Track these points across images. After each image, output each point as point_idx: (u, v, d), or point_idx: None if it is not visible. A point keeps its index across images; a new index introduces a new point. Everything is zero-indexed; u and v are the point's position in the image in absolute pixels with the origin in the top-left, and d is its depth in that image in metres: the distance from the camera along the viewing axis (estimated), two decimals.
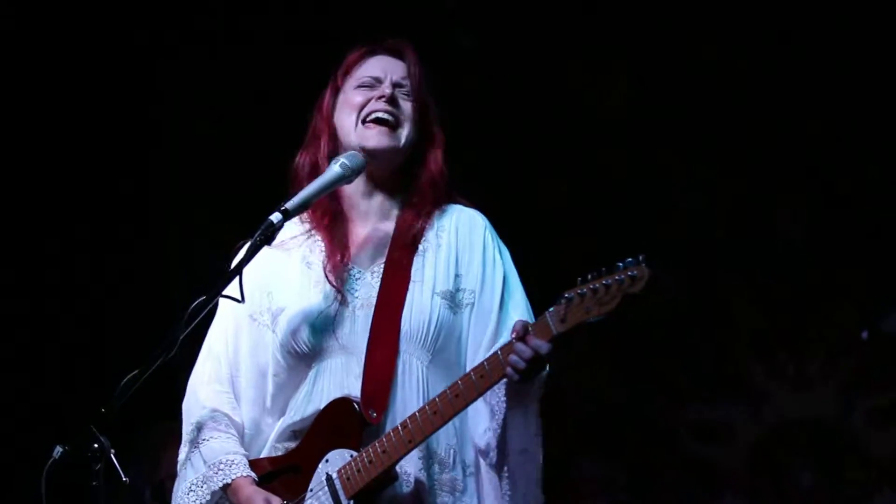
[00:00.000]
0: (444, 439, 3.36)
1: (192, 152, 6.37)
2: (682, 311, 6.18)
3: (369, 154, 3.44)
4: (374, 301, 3.40)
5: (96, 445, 3.07)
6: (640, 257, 3.03)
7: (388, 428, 3.29)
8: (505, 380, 3.24)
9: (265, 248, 3.37)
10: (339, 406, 3.33)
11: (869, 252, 5.98)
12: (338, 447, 3.31)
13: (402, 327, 3.37)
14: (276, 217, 3.25)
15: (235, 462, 3.39)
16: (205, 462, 3.40)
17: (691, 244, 6.15)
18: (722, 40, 6.18)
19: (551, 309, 3.12)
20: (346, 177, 3.38)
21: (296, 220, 3.49)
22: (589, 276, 3.07)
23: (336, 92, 3.55)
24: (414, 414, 3.25)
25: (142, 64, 6.17)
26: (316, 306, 3.41)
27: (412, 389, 3.35)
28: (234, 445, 3.43)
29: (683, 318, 6.19)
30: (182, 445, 3.48)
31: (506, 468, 3.33)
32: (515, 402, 3.29)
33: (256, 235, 3.24)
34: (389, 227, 3.51)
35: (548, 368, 3.27)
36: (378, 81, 3.49)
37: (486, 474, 3.39)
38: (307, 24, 6.08)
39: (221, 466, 3.38)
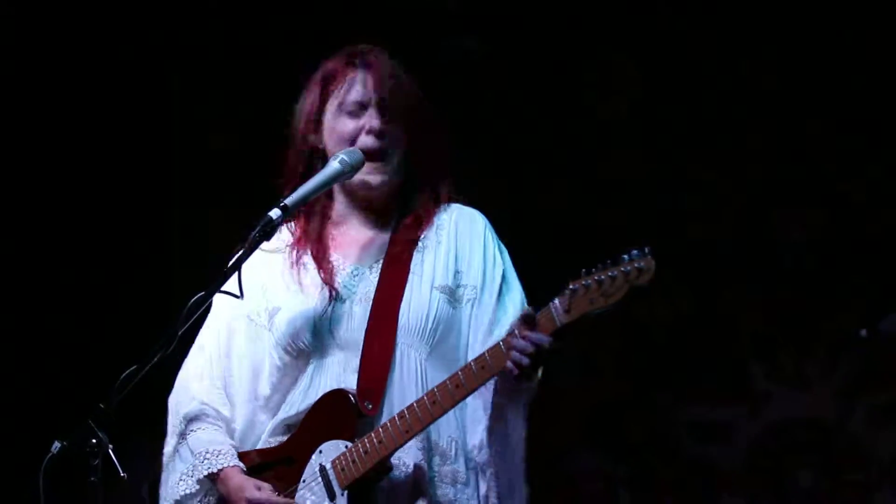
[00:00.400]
0: (445, 431, 3.36)
1: (195, 155, 6.38)
2: (681, 311, 6.17)
3: (362, 187, 3.46)
4: (372, 296, 3.41)
5: (94, 441, 3.06)
6: (647, 249, 3.02)
7: (385, 420, 3.28)
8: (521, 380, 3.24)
9: (263, 252, 3.40)
10: (334, 398, 3.34)
11: (869, 252, 5.97)
12: (332, 438, 3.31)
13: (400, 320, 3.38)
14: (275, 213, 3.27)
15: (223, 452, 3.40)
16: (192, 452, 3.41)
17: (691, 245, 6.15)
18: (723, 41, 6.18)
19: (556, 300, 3.12)
20: (346, 173, 3.40)
21: (291, 225, 3.52)
22: (594, 269, 3.07)
23: (321, 107, 3.53)
24: (412, 404, 3.24)
25: (145, 69, 6.19)
26: (312, 305, 3.42)
27: (410, 381, 3.36)
28: (222, 436, 3.44)
29: (683, 318, 6.18)
30: (168, 437, 3.49)
31: (492, 463, 3.33)
32: (507, 399, 3.30)
33: (255, 231, 3.25)
34: (388, 228, 3.53)
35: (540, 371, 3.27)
36: (362, 108, 3.48)
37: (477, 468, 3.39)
38: (307, 25, 6.08)
39: (208, 456, 3.39)
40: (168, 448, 3.49)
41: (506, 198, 6.09)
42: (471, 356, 3.36)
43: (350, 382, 3.35)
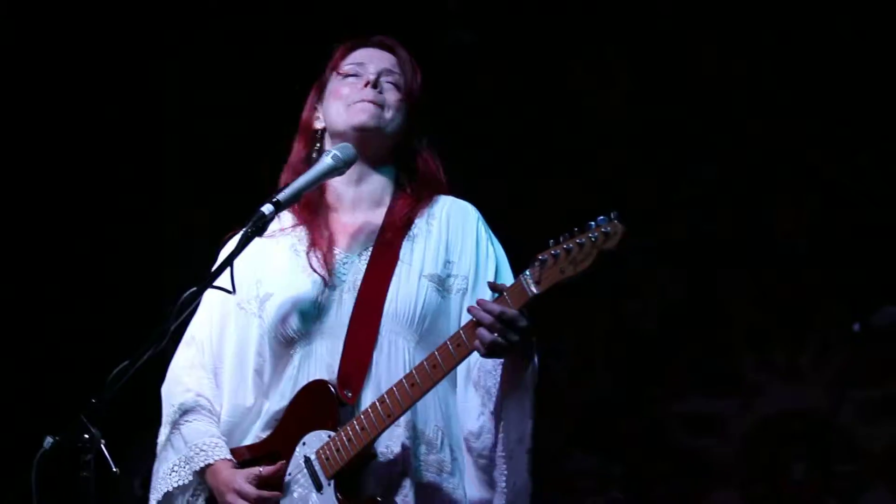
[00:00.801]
0: (431, 420, 3.35)
1: (191, 150, 6.38)
2: (675, 305, 6.17)
3: (357, 132, 3.44)
4: (360, 283, 3.40)
5: (87, 436, 3.06)
6: (613, 214, 3.01)
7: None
8: (501, 364, 3.24)
9: (256, 238, 3.39)
10: (314, 388, 3.32)
11: (862, 245, 5.97)
12: (314, 429, 3.30)
13: (387, 307, 3.36)
14: (267, 208, 3.25)
15: (218, 445, 3.39)
16: (186, 443, 3.40)
17: (689, 241, 6.15)
18: (722, 40, 6.18)
19: (526, 272, 3.10)
20: (338, 168, 3.38)
21: (286, 210, 3.51)
22: (561, 238, 3.06)
23: (322, 88, 3.57)
24: (391, 388, 3.22)
25: (140, 63, 6.19)
26: (303, 292, 3.41)
27: (398, 369, 3.33)
28: (216, 429, 3.43)
29: (677, 312, 6.18)
30: (162, 427, 3.48)
31: (503, 453, 3.31)
32: (511, 388, 3.28)
33: (248, 227, 3.24)
34: (379, 214, 3.51)
35: (535, 359, 3.26)
36: (363, 68, 3.50)
37: (468, 457, 3.37)
38: (307, 23, 6.09)
39: (204, 447, 3.37)
40: (161, 437, 3.48)
41: (506, 198, 6.09)
42: None
43: (336, 369, 3.33)
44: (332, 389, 3.30)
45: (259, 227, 3.25)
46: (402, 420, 3.27)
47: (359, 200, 3.52)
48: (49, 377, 5.79)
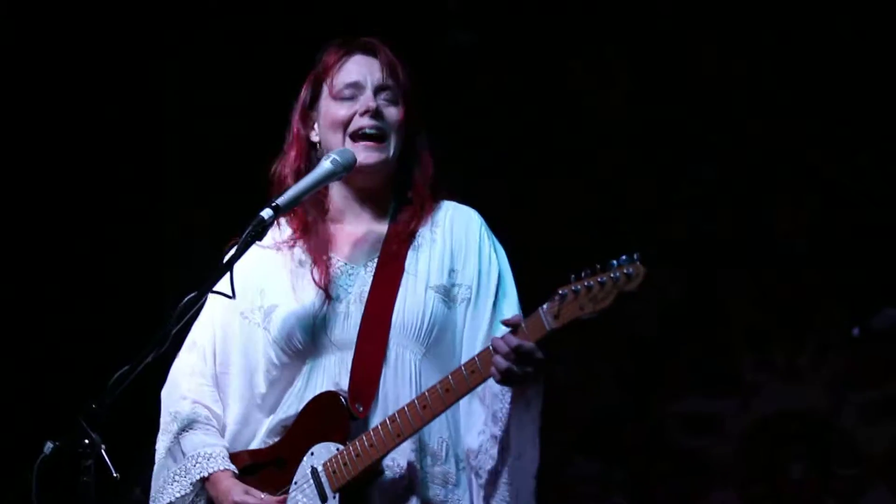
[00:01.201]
0: (436, 432, 3.36)
1: (191, 151, 6.38)
2: (674, 305, 6.17)
3: (359, 169, 3.43)
4: (366, 296, 3.40)
5: (87, 441, 3.06)
6: (635, 255, 3.02)
7: (379, 420, 3.28)
8: (510, 390, 3.24)
9: (260, 248, 3.40)
10: (326, 399, 3.33)
11: (862, 246, 5.96)
12: (323, 440, 3.31)
13: (394, 319, 3.37)
14: (266, 213, 3.25)
15: (214, 455, 3.39)
16: (184, 454, 3.41)
17: (689, 241, 6.15)
18: (722, 40, 6.17)
19: (545, 305, 3.10)
20: (337, 173, 3.38)
21: (289, 221, 3.50)
22: (583, 273, 3.06)
23: (315, 97, 3.53)
24: (403, 408, 3.24)
25: (140, 63, 6.19)
26: (309, 304, 3.41)
27: (404, 382, 3.35)
28: (214, 438, 3.44)
29: (676, 312, 6.18)
30: (160, 434, 3.49)
31: (505, 473, 3.31)
32: (519, 410, 3.28)
33: (247, 232, 3.24)
34: (382, 224, 3.51)
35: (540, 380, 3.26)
36: (359, 89, 3.47)
37: (468, 471, 3.38)
38: (306, 23, 6.08)
39: (200, 459, 3.39)
40: (160, 446, 3.49)
41: (506, 198, 6.09)
42: (465, 358, 3.35)
43: (344, 382, 3.34)
44: (344, 402, 3.30)
45: (258, 231, 3.25)
46: None
47: (362, 210, 3.52)
48: (49, 378, 5.79)
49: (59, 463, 3.09)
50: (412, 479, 3.31)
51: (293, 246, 3.51)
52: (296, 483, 3.33)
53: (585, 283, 3.03)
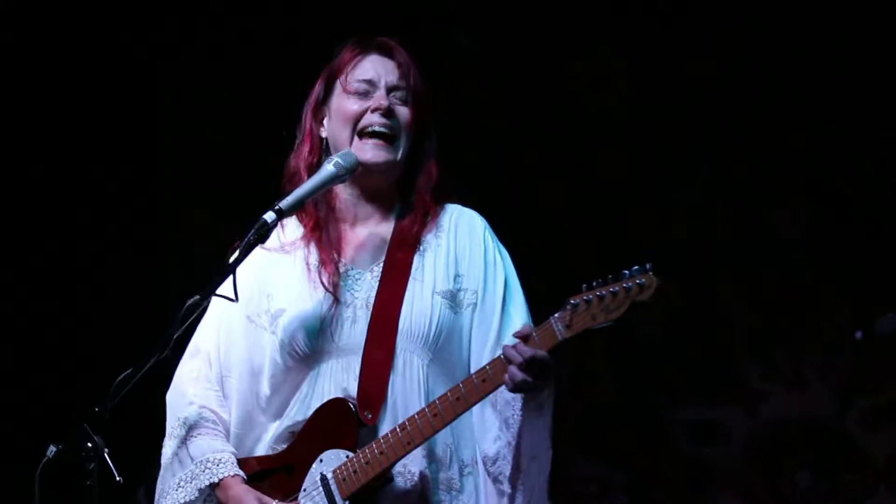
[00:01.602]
0: (441, 438, 3.35)
1: (190, 153, 6.38)
2: (678, 311, 6.17)
3: (366, 168, 3.42)
4: (372, 301, 3.39)
5: (90, 445, 3.06)
6: (648, 265, 3.03)
7: (387, 426, 3.28)
8: (521, 397, 3.24)
9: (266, 251, 3.39)
10: (335, 406, 3.32)
11: (865, 253, 5.96)
12: (333, 447, 3.30)
13: (401, 325, 3.36)
14: (269, 216, 3.25)
15: (223, 460, 3.38)
16: (192, 459, 3.39)
17: (690, 244, 6.14)
18: (721, 41, 6.17)
19: (556, 314, 3.12)
20: (340, 176, 3.37)
21: (297, 222, 3.50)
22: (594, 283, 3.07)
23: (328, 93, 3.53)
24: (413, 416, 3.24)
25: (139, 64, 6.18)
26: (316, 308, 3.40)
27: (413, 388, 3.35)
28: (222, 443, 3.42)
29: (680, 318, 6.18)
30: (167, 439, 3.47)
31: (521, 479, 3.32)
32: (531, 416, 3.29)
33: (250, 234, 3.23)
34: (387, 227, 3.50)
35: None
36: (372, 86, 3.46)
37: (486, 477, 3.38)
38: (305, 23, 6.08)
39: (209, 465, 3.37)
40: (166, 450, 3.47)
41: (506, 198, 6.09)
42: (473, 364, 3.37)
43: (351, 388, 3.33)
44: (353, 409, 3.30)
45: (261, 234, 3.25)
46: None
47: (367, 213, 3.51)
48: (51, 381, 5.79)
49: (63, 466, 3.08)
50: (425, 486, 3.31)
51: (300, 247, 3.49)
52: (305, 490, 3.32)
53: (597, 293, 3.05)
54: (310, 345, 3.38)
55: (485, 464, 3.36)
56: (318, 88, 3.55)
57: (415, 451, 3.27)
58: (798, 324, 6.08)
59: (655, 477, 6.20)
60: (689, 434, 6.18)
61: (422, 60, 3.58)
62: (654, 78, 6.22)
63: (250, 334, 3.46)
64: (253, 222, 3.25)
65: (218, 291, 3.24)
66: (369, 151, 3.41)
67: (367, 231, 3.50)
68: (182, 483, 3.39)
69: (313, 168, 3.47)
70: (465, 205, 3.58)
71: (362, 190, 3.49)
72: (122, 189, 6.16)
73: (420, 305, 3.38)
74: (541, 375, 3.14)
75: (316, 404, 3.35)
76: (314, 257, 3.45)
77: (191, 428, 3.42)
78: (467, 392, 3.20)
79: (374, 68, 3.48)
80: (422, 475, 3.31)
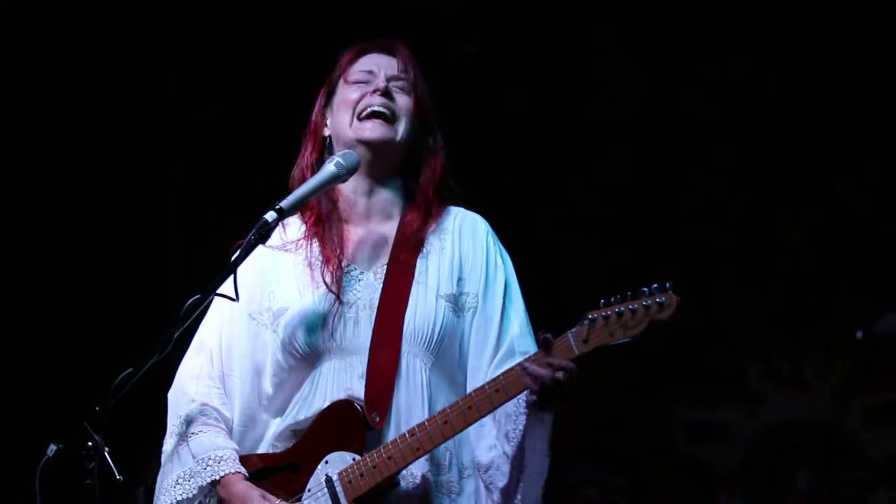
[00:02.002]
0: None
1: (194, 160, 6.39)
2: (679, 313, 6.16)
3: (366, 147, 3.42)
4: (376, 302, 3.38)
5: (90, 444, 3.05)
6: (668, 284, 3.03)
7: (391, 430, 3.28)
8: (525, 409, 3.24)
9: (268, 250, 3.38)
10: (342, 408, 3.31)
11: (866, 254, 5.97)
12: (339, 449, 3.28)
13: (405, 329, 3.35)
14: (270, 215, 3.24)
15: (225, 458, 3.36)
16: (193, 456, 3.37)
17: (691, 247, 6.14)
18: (725, 47, 6.18)
19: (574, 329, 3.10)
20: (341, 176, 3.36)
21: (299, 221, 3.50)
22: (612, 299, 3.06)
23: (330, 94, 3.54)
24: (423, 422, 3.23)
25: (143, 70, 6.20)
26: (318, 307, 3.39)
27: (416, 392, 3.33)
28: (224, 440, 3.41)
29: (681, 320, 6.17)
30: (168, 437, 3.45)
31: (516, 486, 3.31)
32: (532, 431, 3.28)
33: (251, 234, 3.22)
34: (391, 227, 3.49)
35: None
36: (372, 76, 3.48)
37: (479, 482, 3.37)
38: (306, 31, 6.09)
39: (210, 462, 3.35)
40: (167, 448, 3.45)
41: (505, 198, 6.09)
42: (472, 366, 3.37)
43: (355, 389, 3.32)
44: (360, 411, 3.28)
45: (262, 234, 3.23)
46: None
47: (370, 212, 3.50)
48: (52, 380, 5.79)
49: (63, 465, 3.07)
50: (430, 490, 3.30)
51: (302, 246, 3.49)
52: (309, 490, 3.30)
53: (616, 310, 3.04)
54: (311, 344, 3.37)
55: (477, 470, 3.35)
56: (322, 91, 3.57)
57: (419, 458, 3.26)
58: (798, 325, 6.08)
59: (655, 479, 6.20)
60: (690, 435, 6.18)
61: (424, 65, 3.59)
62: (656, 83, 6.23)
63: (252, 333, 3.45)
64: (254, 221, 3.25)
65: (219, 290, 3.23)
66: (368, 131, 3.42)
67: (371, 231, 3.49)
68: (180, 480, 3.37)
69: (314, 166, 3.48)
70: (467, 208, 3.57)
71: (364, 186, 3.49)
72: (128, 190, 6.17)
73: (424, 309, 3.37)
74: (564, 387, 3.14)
75: (318, 403, 3.34)
76: (316, 255, 3.45)
77: (192, 425, 3.40)
78: (479, 401, 3.18)
79: (376, 62, 3.51)
80: (424, 478, 3.30)
